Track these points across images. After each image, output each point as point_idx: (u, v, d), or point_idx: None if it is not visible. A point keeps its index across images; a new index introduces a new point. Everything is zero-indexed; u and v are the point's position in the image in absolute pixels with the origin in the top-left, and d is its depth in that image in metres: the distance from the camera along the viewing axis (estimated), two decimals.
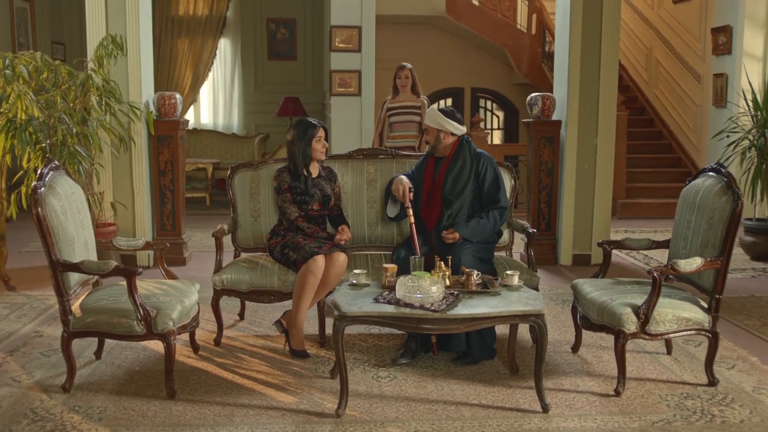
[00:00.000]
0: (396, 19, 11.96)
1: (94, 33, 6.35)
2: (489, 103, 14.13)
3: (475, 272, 3.88)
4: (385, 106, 7.13)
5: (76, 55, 10.19)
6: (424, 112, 6.79)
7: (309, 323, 4.79)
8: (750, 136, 7.21)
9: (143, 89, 6.54)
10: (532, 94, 7.06)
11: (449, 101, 13.75)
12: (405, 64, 7.09)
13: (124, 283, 3.72)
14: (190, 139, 11.05)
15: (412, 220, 4.48)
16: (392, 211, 4.69)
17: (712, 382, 3.93)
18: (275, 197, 4.69)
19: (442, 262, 3.93)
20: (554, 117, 6.94)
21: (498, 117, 14.29)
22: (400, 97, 7.06)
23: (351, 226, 4.89)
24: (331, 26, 8.71)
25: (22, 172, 5.70)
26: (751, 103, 7.33)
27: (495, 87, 13.55)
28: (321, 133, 4.61)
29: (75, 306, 3.85)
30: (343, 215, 4.80)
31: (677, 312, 3.81)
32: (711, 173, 4.07)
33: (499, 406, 3.68)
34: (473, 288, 3.80)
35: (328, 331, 4.40)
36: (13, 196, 5.69)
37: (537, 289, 4.38)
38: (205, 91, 12.40)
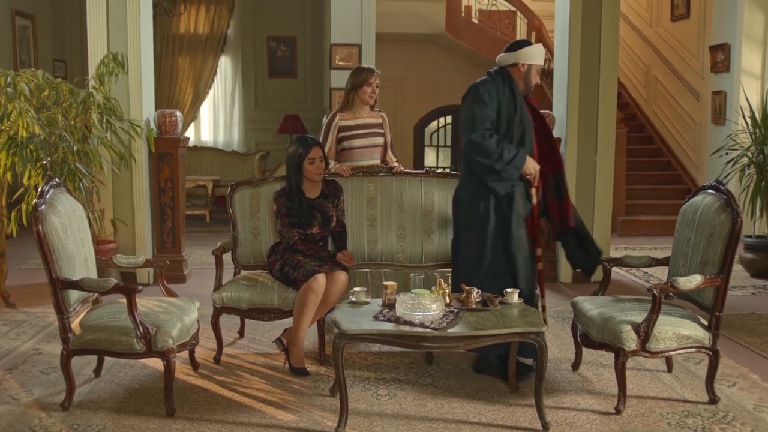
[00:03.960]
0: (396, 37, 12.02)
1: (96, 51, 6.38)
2: None
3: (475, 290, 3.87)
4: (336, 123, 5.25)
5: (78, 72, 10.21)
6: (386, 131, 5.37)
7: (309, 341, 4.78)
8: (749, 154, 7.23)
9: (144, 107, 6.56)
10: None
11: (449, 119, 13.80)
12: (373, 68, 5.27)
13: (124, 300, 3.72)
14: (190, 156, 11.07)
15: (535, 201, 4.30)
16: (505, 187, 4.17)
17: (713, 400, 3.92)
18: (274, 221, 4.69)
19: (442, 280, 3.93)
20: (553, 134, 6.94)
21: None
22: (356, 112, 5.25)
23: (350, 243, 4.90)
24: (331, 44, 8.76)
25: (22, 189, 5.71)
26: (749, 121, 7.36)
27: None
28: (315, 153, 4.51)
29: (74, 323, 3.85)
30: (345, 234, 4.77)
31: (677, 329, 3.81)
32: (710, 190, 4.08)
33: (500, 424, 3.67)
34: (473, 306, 3.80)
35: (328, 348, 4.39)
36: (13, 214, 5.70)
37: (537, 307, 4.38)
38: (206, 109, 12.44)
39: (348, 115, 5.27)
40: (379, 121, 5.35)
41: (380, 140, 5.35)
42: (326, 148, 5.20)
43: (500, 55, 4.45)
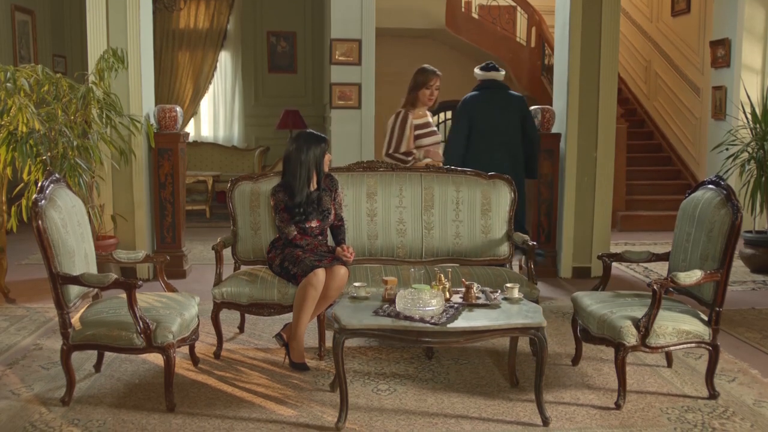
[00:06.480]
0: (396, 32, 12.01)
1: (96, 46, 6.38)
2: None
3: (475, 285, 3.88)
4: (410, 121, 5.52)
5: (77, 68, 10.22)
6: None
7: (309, 336, 4.79)
8: (749, 149, 7.23)
9: (144, 102, 6.56)
10: (532, 107, 7.07)
11: (449, 114, 13.79)
12: (435, 70, 5.67)
13: (124, 295, 3.73)
14: (190, 151, 11.07)
15: None
16: None
17: (713, 395, 3.92)
18: (272, 216, 4.68)
19: (442, 275, 3.93)
20: (554, 130, 6.95)
21: None
22: (421, 111, 5.60)
23: (350, 238, 4.90)
24: (331, 39, 8.73)
25: (22, 184, 5.71)
26: (749, 116, 7.35)
27: None
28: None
29: (75, 319, 3.85)
30: (343, 228, 4.78)
31: (677, 325, 3.81)
32: (710, 186, 4.08)
33: (500, 419, 3.67)
34: (473, 301, 3.80)
35: (328, 343, 4.39)
36: (13, 209, 5.70)
37: (537, 302, 4.38)
38: (206, 104, 12.43)
39: (417, 113, 5.56)
40: (431, 120, 5.71)
41: (440, 138, 5.70)
42: (403, 145, 5.45)
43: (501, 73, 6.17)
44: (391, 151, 5.52)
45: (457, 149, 6.10)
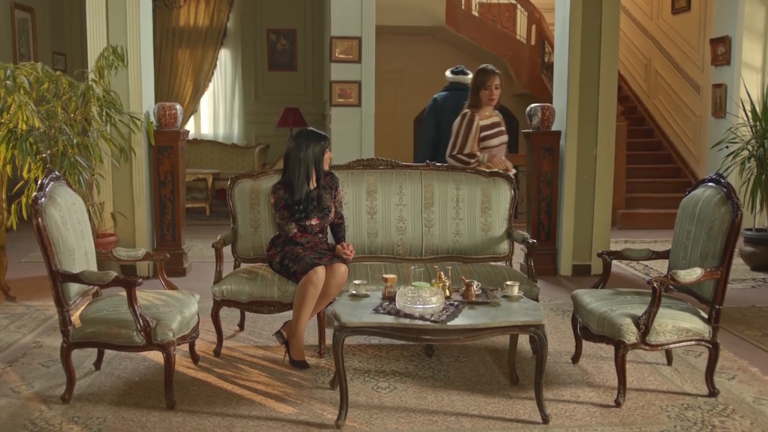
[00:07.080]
0: (396, 29, 12.00)
1: (95, 44, 6.37)
2: None
3: (475, 282, 3.88)
4: (476, 122, 5.59)
5: (77, 65, 10.21)
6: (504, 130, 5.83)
7: (309, 333, 4.79)
8: (749, 147, 7.22)
9: (144, 100, 6.55)
10: (532, 105, 7.07)
11: None
12: (493, 69, 5.69)
13: (124, 293, 3.72)
14: (190, 149, 11.05)
15: None
16: None
17: (713, 392, 3.92)
18: (272, 213, 4.68)
19: (442, 273, 3.93)
20: (554, 127, 6.95)
21: None
22: (487, 111, 5.66)
23: (350, 236, 4.90)
24: (332, 37, 8.73)
25: (22, 182, 5.71)
26: (750, 114, 7.35)
27: None
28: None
29: (75, 316, 3.85)
30: (343, 226, 4.78)
31: (677, 322, 3.81)
32: (710, 184, 4.08)
33: (500, 416, 3.68)
34: (473, 298, 3.80)
35: (328, 341, 4.39)
36: (13, 207, 5.70)
37: (537, 300, 4.38)
38: (206, 102, 12.42)
39: (483, 114, 5.64)
40: (499, 120, 5.74)
41: (506, 138, 5.73)
42: (467, 146, 5.53)
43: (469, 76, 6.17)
44: (455, 152, 5.65)
45: (425, 148, 6.56)
